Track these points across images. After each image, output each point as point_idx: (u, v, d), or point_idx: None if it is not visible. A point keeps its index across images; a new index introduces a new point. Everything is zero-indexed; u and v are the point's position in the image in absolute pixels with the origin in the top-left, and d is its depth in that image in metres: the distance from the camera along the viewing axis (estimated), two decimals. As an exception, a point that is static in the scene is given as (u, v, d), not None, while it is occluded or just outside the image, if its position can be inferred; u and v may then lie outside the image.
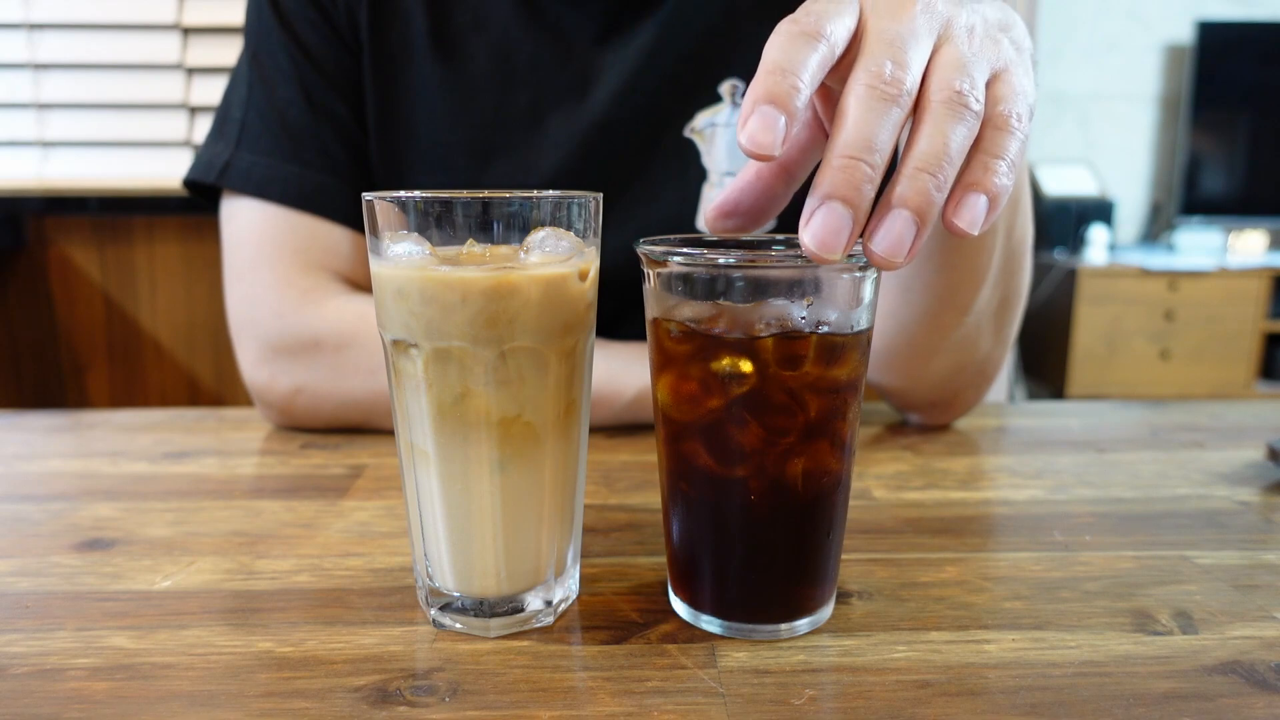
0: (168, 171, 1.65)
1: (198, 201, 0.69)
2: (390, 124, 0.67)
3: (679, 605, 0.36)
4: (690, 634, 0.34)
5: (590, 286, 0.36)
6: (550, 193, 0.34)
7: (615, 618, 0.36)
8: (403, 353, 0.34)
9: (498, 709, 0.30)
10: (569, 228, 0.34)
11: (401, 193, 0.33)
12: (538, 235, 0.34)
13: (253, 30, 0.67)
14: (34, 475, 0.54)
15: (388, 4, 0.66)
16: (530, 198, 0.33)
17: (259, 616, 0.36)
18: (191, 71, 1.64)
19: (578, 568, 0.38)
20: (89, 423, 0.65)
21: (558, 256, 0.34)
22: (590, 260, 0.36)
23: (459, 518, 0.35)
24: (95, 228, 1.69)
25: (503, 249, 0.33)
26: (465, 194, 0.33)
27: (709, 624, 0.35)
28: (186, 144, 1.66)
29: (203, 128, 1.65)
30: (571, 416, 0.36)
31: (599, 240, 0.37)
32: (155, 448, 0.59)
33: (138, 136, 1.66)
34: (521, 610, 0.36)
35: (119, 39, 1.62)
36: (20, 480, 0.53)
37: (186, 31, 1.62)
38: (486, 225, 0.33)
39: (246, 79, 0.66)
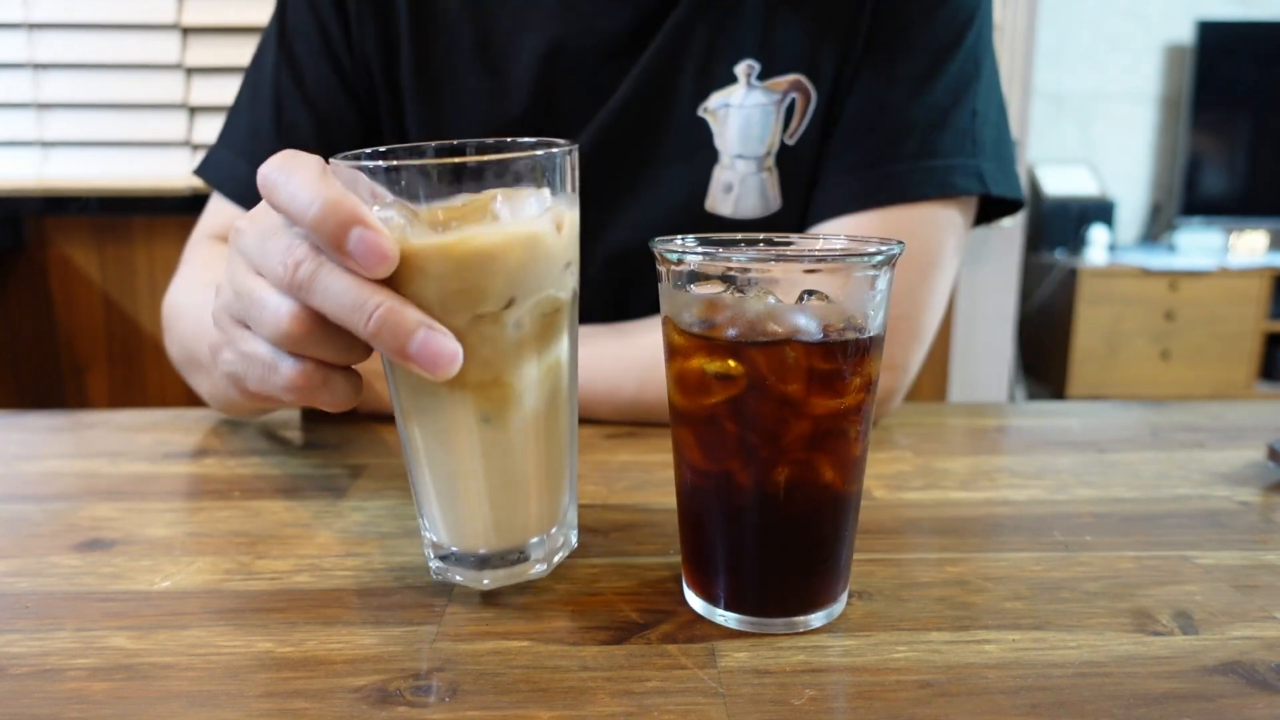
0: (168, 172, 1.65)
1: (199, 201, 0.71)
2: (433, 134, 0.69)
3: (694, 600, 0.36)
4: (690, 634, 0.34)
5: (568, 244, 0.35)
6: (521, 147, 0.33)
7: (615, 618, 0.36)
8: None
9: (498, 709, 0.30)
10: (543, 182, 0.33)
11: (365, 160, 0.33)
12: (507, 192, 0.33)
13: (264, 36, 0.70)
14: (34, 475, 0.54)
15: (430, 20, 0.67)
16: (501, 158, 0.32)
17: (259, 617, 0.36)
18: (191, 71, 1.64)
19: (574, 517, 0.39)
20: (89, 423, 0.65)
21: (530, 214, 0.33)
22: (564, 214, 0.34)
23: (444, 476, 0.36)
24: (95, 228, 1.69)
25: (473, 209, 0.33)
26: (432, 160, 0.32)
27: (724, 618, 0.35)
28: (186, 144, 1.66)
29: (202, 128, 1.65)
30: (554, 376, 0.36)
31: (577, 195, 0.36)
32: (155, 448, 0.59)
33: (137, 137, 1.66)
34: (515, 563, 0.37)
35: (119, 39, 1.62)
36: (20, 480, 0.53)
37: (186, 31, 1.62)
38: (456, 184, 0.32)
39: (248, 80, 0.70)
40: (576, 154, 0.35)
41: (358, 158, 0.33)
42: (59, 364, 1.75)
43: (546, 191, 0.33)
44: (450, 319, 0.32)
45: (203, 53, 1.63)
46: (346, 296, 0.31)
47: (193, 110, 1.65)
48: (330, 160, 0.34)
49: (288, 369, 0.34)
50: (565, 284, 0.35)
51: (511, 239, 0.32)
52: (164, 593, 0.38)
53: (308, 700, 0.30)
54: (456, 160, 0.32)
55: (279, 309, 0.33)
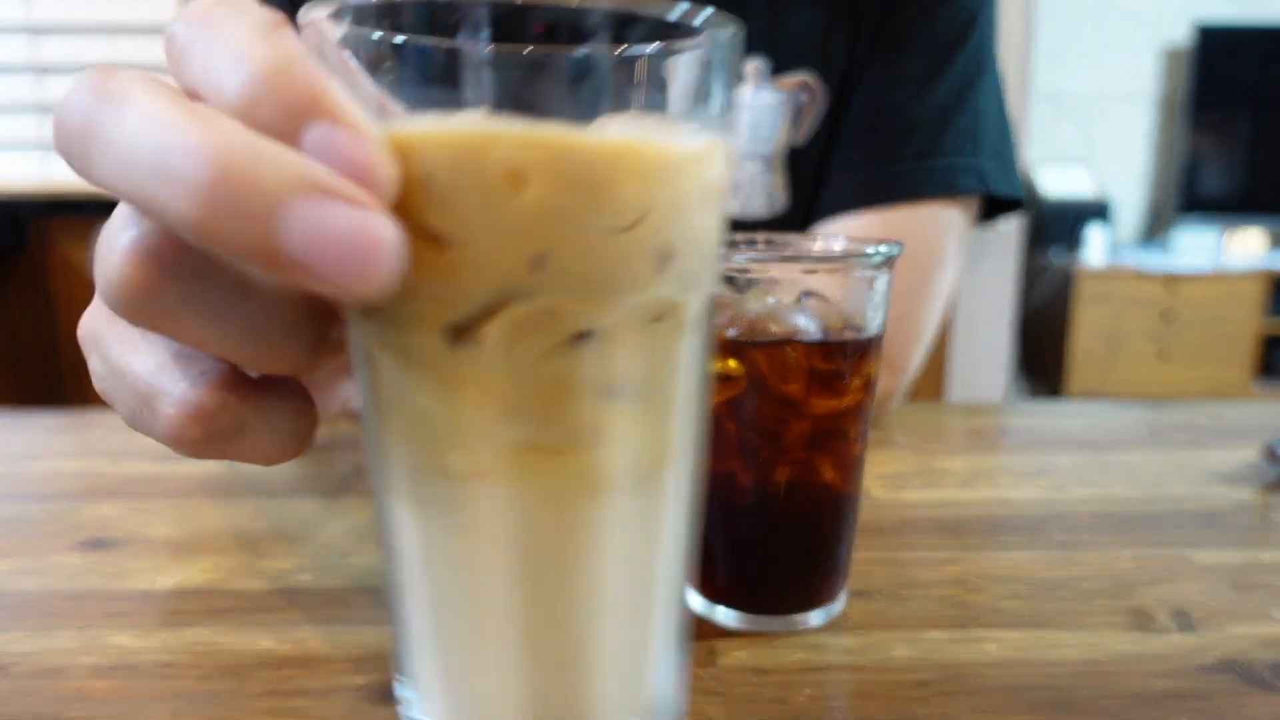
0: (168, 172, 1.65)
1: None
2: None
3: (694, 599, 0.36)
4: (690, 633, 0.34)
5: (719, 210, 0.20)
6: (646, 8, 0.18)
7: (615, 617, 0.36)
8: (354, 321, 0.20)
9: (498, 707, 0.30)
10: (697, 89, 0.19)
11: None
12: (622, 115, 0.19)
13: None
14: (35, 475, 0.54)
15: None
16: (609, 13, 0.18)
17: (260, 616, 0.36)
18: (192, 73, 1.65)
19: (674, 693, 0.24)
20: (90, 422, 0.65)
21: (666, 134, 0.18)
22: (724, 151, 0.20)
23: (453, 615, 0.21)
24: (97, 229, 1.69)
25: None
26: None
27: (723, 617, 0.35)
28: (187, 145, 1.66)
29: (203, 129, 1.66)
30: (666, 456, 0.21)
31: (735, 121, 0.22)
32: (156, 447, 0.58)
33: (138, 137, 1.66)
34: None
35: (121, 41, 1.62)
36: (22, 480, 0.53)
37: (187, 33, 1.62)
38: (523, 79, 0.17)
39: None
40: (741, 40, 0.20)
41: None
42: (60, 365, 1.75)
43: (702, 113, 0.19)
44: (466, 307, 0.18)
45: (203, 54, 1.63)
46: (143, 136, 0.16)
47: (193, 111, 1.66)
48: (302, 9, 0.19)
49: (170, 402, 0.20)
50: (700, 284, 0.20)
51: (640, 158, 0.17)
52: (166, 592, 0.38)
53: (309, 699, 0.30)
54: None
55: (112, 236, 0.18)
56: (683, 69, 0.19)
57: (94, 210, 1.66)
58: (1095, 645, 0.33)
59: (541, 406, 0.18)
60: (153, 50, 1.62)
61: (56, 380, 1.76)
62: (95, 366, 0.23)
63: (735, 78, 0.20)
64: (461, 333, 0.18)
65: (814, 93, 0.66)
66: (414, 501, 0.20)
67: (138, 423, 0.22)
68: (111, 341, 0.22)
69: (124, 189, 0.16)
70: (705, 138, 0.19)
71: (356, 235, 0.15)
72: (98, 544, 0.43)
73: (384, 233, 0.15)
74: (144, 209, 0.16)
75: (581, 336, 0.18)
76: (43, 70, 1.63)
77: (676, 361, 0.20)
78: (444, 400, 0.18)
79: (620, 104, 0.18)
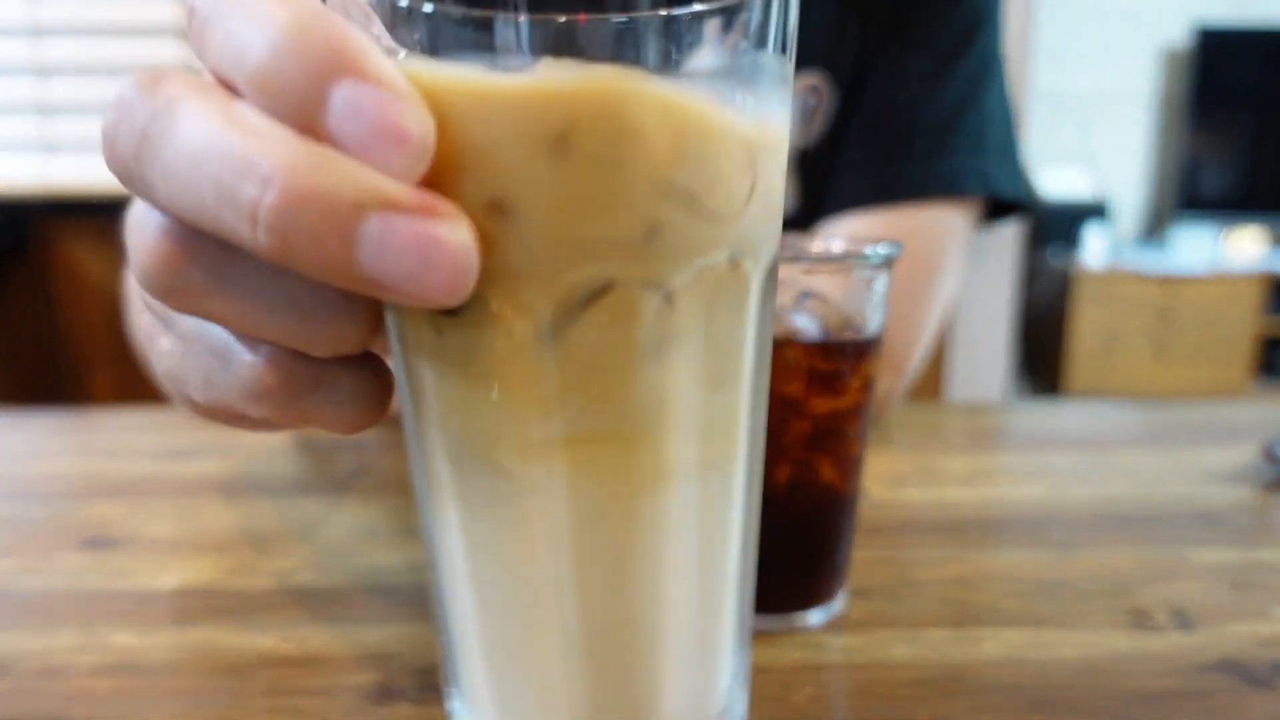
0: (168, 172, 1.65)
1: None
2: None
3: None
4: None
5: (775, 170, 0.19)
6: None
7: (616, 616, 0.36)
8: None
9: (499, 706, 0.30)
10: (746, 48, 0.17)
11: None
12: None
13: None
14: (37, 475, 0.54)
15: None
16: None
17: (261, 615, 0.36)
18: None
19: (738, 697, 0.22)
20: (90, 423, 0.66)
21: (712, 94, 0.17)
22: (779, 122, 0.19)
23: (503, 630, 0.20)
24: (98, 229, 1.69)
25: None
26: None
27: None
28: (187, 145, 1.66)
29: (203, 129, 1.66)
30: (726, 444, 0.19)
31: (789, 95, 0.19)
32: (158, 446, 0.59)
33: (138, 138, 1.66)
34: None
35: (122, 42, 1.62)
36: (23, 480, 0.53)
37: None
38: (565, 46, 0.16)
39: None
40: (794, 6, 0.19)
41: None
42: (61, 365, 1.75)
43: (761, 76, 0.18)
44: (529, 290, 0.16)
45: (203, 54, 1.63)
46: (198, 156, 0.15)
47: (193, 111, 1.66)
48: None
49: (249, 350, 0.19)
50: (759, 248, 0.18)
51: (687, 113, 0.16)
52: (168, 591, 0.38)
53: (310, 697, 0.30)
54: None
55: (140, 215, 0.18)
56: (743, 14, 0.17)
57: (94, 211, 1.66)
58: (1094, 644, 0.33)
59: (607, 393, 0.17)
60: (154, 50, 1.62)
61: (56, 380, 1.76)
62: (164, 346, 0.23)
63: (794, 20, 0.19)
64: (551, 327, 0.16)
65: (822, 95, 0.66)
66: (460, 497, 0.19)
67: (212, 385, 0.21)
68: (181, 317, 0.21)
69: (191, 216, 0.16)
70: (781, 110, 0.19)
71: (431, 247, 0.15)
72: (99, 543, 0.43)
73: (458, 241, 0.15)
74: (216, 233, 0.16)
75: (652, 316, 0.17)
76: (43, 70, 1.63)
77: (743, 339, 0.19)
78: (501, 389, 0.17)
79: (672, 66, 0.16)
